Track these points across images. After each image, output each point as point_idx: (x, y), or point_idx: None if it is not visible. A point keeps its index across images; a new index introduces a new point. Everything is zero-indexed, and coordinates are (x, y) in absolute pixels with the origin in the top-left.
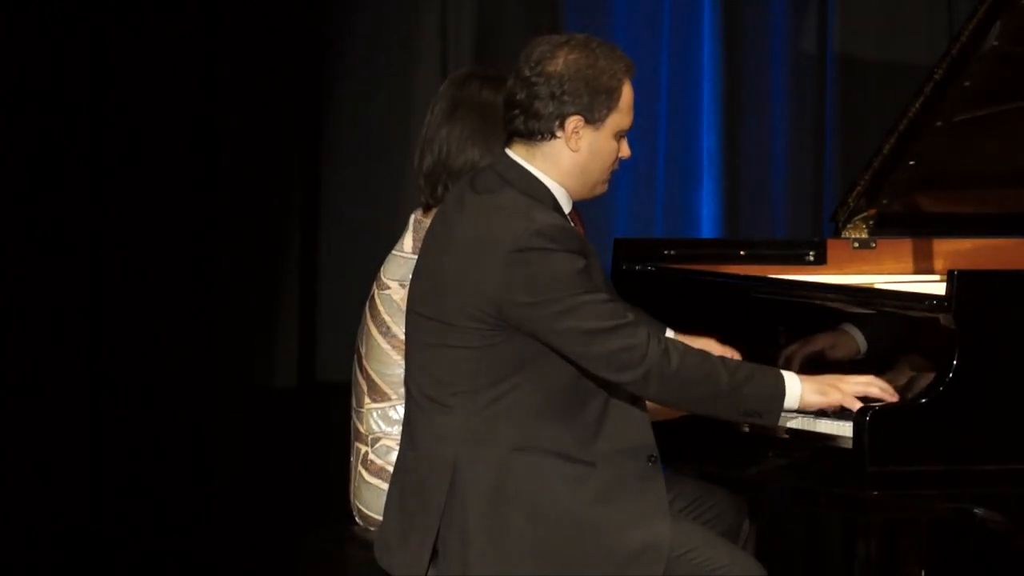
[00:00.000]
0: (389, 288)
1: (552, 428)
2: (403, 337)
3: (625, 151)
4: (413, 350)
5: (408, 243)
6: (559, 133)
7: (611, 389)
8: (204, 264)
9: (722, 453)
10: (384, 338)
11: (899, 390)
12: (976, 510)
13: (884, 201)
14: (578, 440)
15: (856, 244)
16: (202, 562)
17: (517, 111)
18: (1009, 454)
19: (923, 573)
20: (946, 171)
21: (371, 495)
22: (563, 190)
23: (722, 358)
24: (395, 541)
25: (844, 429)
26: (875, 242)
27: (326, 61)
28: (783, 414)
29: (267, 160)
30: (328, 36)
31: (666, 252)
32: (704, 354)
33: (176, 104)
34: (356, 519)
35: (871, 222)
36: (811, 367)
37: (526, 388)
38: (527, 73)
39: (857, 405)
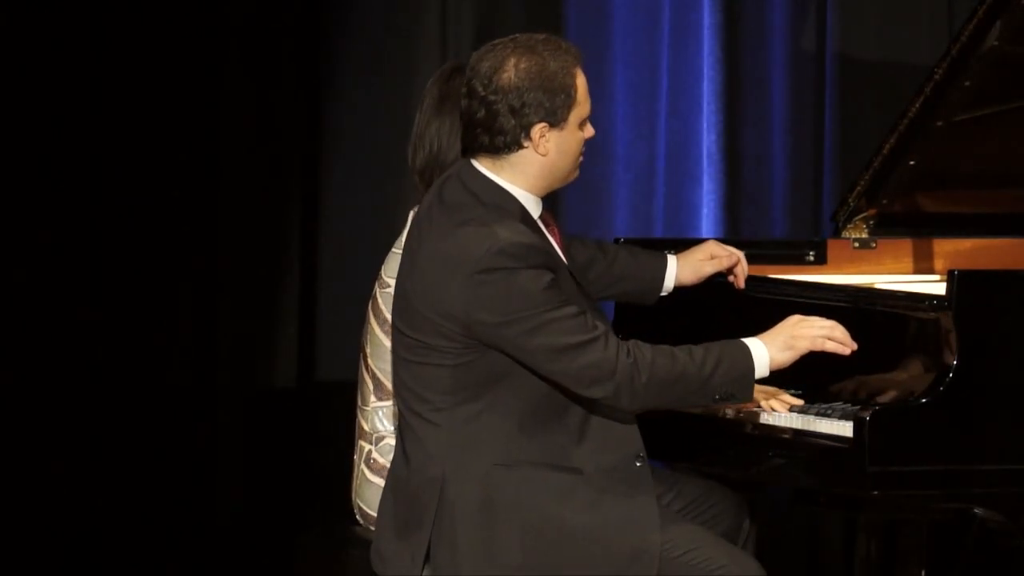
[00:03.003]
0: (390, 286)
1: (535, 439)
2: None
3: (589, 132)
4: (396, 364)
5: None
6: (526, 143)
7: None
8: (204, 264)
9: (722, 453)
10: (387, 336)
11: (898, 391)
12: (976, 510)
13: (884, 201)
14: (562, 448)
15: (856, 244)
16: (202, 562)
17: (479, 130)
18: (1009, 454)
19: (923, 573)
20: (946, 171)
21: (372, 493)
22: (531, 196)
23: (689, 349)
24: (388, 550)
25: (844, 429)
26: (875, 242)
27: (326, 61)
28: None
29: (267, 160)
30: (328, 36)
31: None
32: (671, 355)
33: (176, 104)
34: (357, 517)
35: (871, 222)
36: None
37: (505, 402)
38: (481, 92)
39: (826, 347)
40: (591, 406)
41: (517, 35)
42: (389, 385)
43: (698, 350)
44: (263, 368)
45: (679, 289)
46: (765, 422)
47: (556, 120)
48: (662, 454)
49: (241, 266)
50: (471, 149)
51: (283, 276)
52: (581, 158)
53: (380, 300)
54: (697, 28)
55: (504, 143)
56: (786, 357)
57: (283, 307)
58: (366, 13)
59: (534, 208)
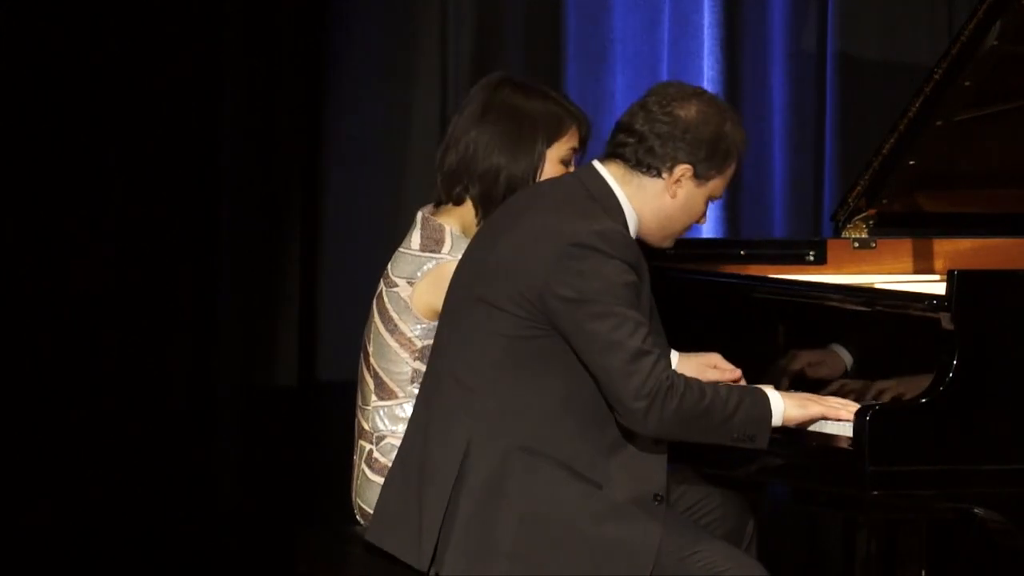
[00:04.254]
0: (397, 286)
1: (566, 437)
2: (411, 335)
3: (704, 217)
4: (451, 333)
5: (416, 240)
6: (665, 175)
7: None
8: (204, 264)
9: (722, 452)
10: (392, 336)
11: (898, 391)
12: (976, 510)
13: (884, 201)
14: (589, 457)
15: (856, 244)
16: (202, 562)
17: (633, 139)
18: (1009, 454)
19: (923, 573)
20: (946, 171)
21: (373, 493)
22: (638, 222)
23: (714, 386)
24: (397, 520)
25: (844, 429)
26: (875, 242)
27: (326, 61)
28: None
29: (267, 160)
30: (328, 36)
31: (666, 252)
32: (701, 389)
33: (176, 104)
34: (357, 517)
35: (871, 222)
36: (798, 384)
37: (548, 388)
38: (654, 108)
39: (840, 416)
40: (628, 433)
41: (709, 91)
42: (391, 384)
43: (723, 388)
44: (263, 368)
45: (679, 291)
46: None
47: (700, 173)
48: None
49: (242, 266)
50: (609, 154)
51: (283, 276)
52: (682, 234)
53: (386, 299)
54: (697, 28)
55: (647, 162)
56: (798, 414)
57: (283, 307)
58: (366, 14)
59: (633, 232)
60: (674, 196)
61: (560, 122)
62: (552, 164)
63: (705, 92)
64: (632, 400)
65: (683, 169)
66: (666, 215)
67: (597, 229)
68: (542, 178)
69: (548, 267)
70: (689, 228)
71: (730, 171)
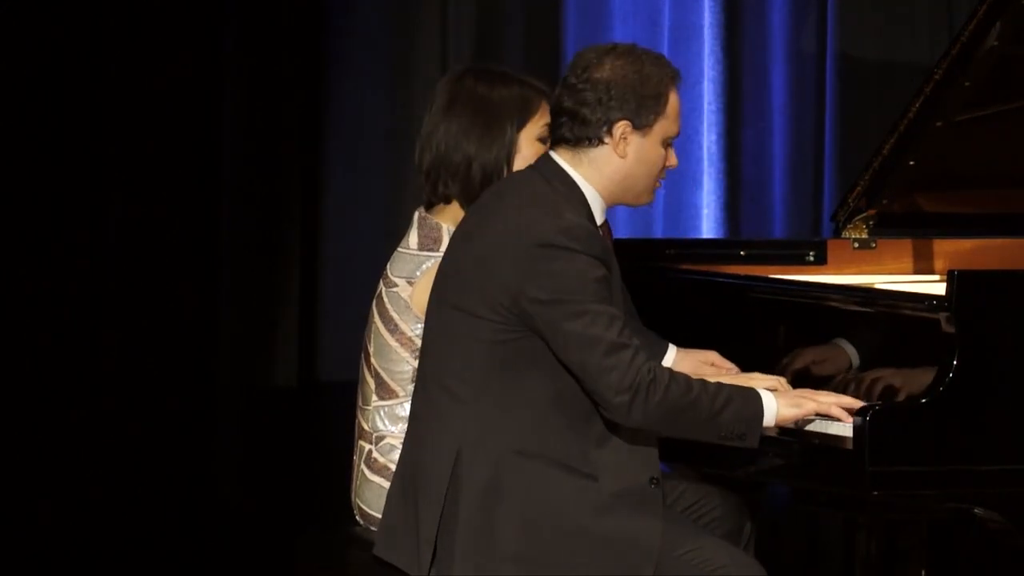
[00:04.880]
0: (396, 286)
1: (557, 436)
2: (411, 334)
3: (672, 160)
4: (434, 341)
5: (414, 240)
6: (607, 139)
7: None
8: (205, 264)
9: (722, 452)
10: (392, 336)
11: (898, 391)
12: (976, 510)
13: (884, 201)
14: (582, 452)
15: (856, 244)
16: (202, 562)
17: (564, 118)
18: (1009, 454)
19: (923, 573)
20: (946, 171)
21: (372, 494)
22: (601, 199)
23: (703, 382)
24: (398, 533)
25: (844, 429)
26: (875, 242)
27: (326, 61)
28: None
29: (267, 161)
30: (328, 36)
31: (666, 252)
32: (688, 383)
33: (177, 104)
34: (356, 517)
35: (871, 222)
36: (803, 381)
37: (534, 390)
38: (573, 81)
39: (834, 412)
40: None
41: (623, 42)
42: (392, 384)
43: (712, 385)
44: (263, 368)
45: (679, 291)
46: None
47: (640, 123)
48: (662, 454)
49: (242, 266)
50: (554, 140)
51: (283, 276)
52: (659, 184)
53: (386, 299)
54: (697, 28)
55: (585, 135)
56: (792, 413)
57: (283, 307)
58: (366, 13)
59: (599, 213)
60: (624, 156)
61: (528, 103)
62: (530, 144)
63: (618, 45)
64: (614, 395)
65: (621, 126)
66: (624, 176)
67: (562, 226)
68: (522, 162)
69: (518, 270)
70: (662, 176)
71: (671, 107)
